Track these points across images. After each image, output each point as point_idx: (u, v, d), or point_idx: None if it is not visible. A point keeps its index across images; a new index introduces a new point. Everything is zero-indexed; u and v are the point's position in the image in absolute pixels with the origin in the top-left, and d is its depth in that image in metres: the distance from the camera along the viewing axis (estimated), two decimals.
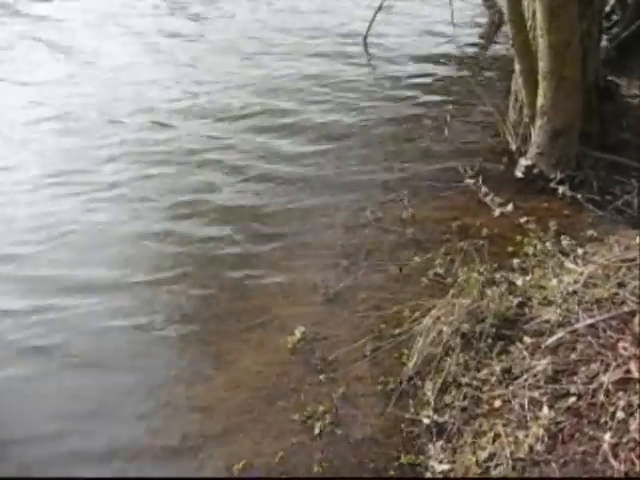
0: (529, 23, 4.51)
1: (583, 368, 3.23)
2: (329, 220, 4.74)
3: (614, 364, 3.17)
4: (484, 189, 4.66)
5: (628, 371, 3.08)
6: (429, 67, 6.82)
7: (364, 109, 6.10)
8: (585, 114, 4.78)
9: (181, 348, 3.83)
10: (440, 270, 4.11)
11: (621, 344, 3.30)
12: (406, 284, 4.10)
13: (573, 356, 3.31)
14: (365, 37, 7.23)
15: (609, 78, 5.42)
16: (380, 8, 7.11)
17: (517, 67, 4.71)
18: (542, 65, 4.37)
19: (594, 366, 3.22)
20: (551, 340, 3.40)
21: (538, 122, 4.62)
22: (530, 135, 4.89)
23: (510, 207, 4.46)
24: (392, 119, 5.92)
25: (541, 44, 4.28)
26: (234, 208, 4.92)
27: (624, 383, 3.04)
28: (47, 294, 4.09)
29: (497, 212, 4.43)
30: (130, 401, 3.49)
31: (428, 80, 6.55)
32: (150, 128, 5.93)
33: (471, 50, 7.27)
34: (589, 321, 3.47)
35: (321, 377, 3.55)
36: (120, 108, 6.21)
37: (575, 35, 4.27)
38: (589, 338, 3.39)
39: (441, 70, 6.72)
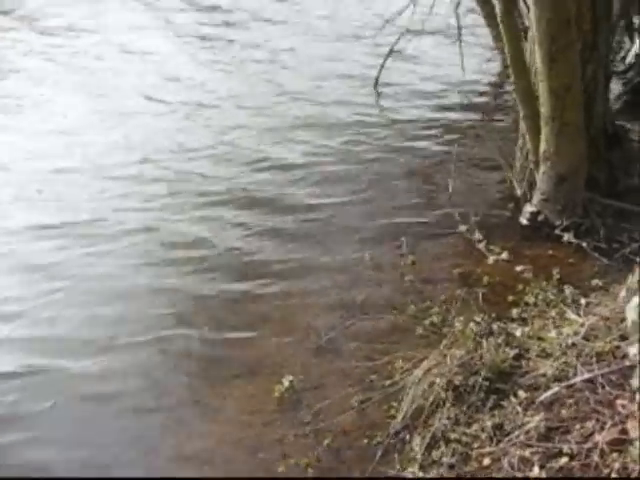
0: (532, 68, 4.44)
1: (578, 426, 3.06)
2: (327, 265, 4.65)
3: (610, 422, 3.01)
4: (477, 235, 4.52)
5: (624, 430, 2.90)
6: (438, 114, 6.74)
7: (371, 158, 6.03)
8: (592, 160, 4.66)
9: (167, 395, 3.73)
10: (436, 319, 3.98)
11: (619, 401, 3.13)
12: (400, 334, 3.98)
13: (568, 413, 3.14)
14: (376, 83, 7.21)
15: (618, 123, 5.30)
16: (390, 52, 7.10)
17: (521, 112, 4.62)
18: (543, 110, 4.28)
19: (589, 424, 3.05)
20: (546, 395, 3.24)
21: (542, 168, 4.52)
22: (535, 181, 4.77)
23: (505, 255, 4.32)
24: (398, 167, 5.84)
25: (541, 89, 4.20)
26: (234, 254, 4.85)
27: (620, 443, 2.86)
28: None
29: (491, 260, 4.28)
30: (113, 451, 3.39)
31: (436, 127, 6.46)
32: (149, 176, 5.86)
33: (480, 96, 7.20)
34: (587, 375, 3.30)
35: (307, 429, 3.43)
36: (117, 156, 6.12)
37: (576, 79, 4.18)
38: (586, 394, 3.22)
39: (450, 116, 6.63)
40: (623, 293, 3.25)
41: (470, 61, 7.37)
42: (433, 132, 6.34)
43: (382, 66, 7.10)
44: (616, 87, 6.55)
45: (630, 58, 6.79)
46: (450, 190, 5.24)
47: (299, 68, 7.87)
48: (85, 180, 5.70)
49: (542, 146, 4.44)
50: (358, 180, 5.65)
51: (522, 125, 4.76)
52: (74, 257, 4.77)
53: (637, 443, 2.35)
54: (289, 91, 7.31)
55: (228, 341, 4.07)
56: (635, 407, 2.94)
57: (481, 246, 4.42)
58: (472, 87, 7.20)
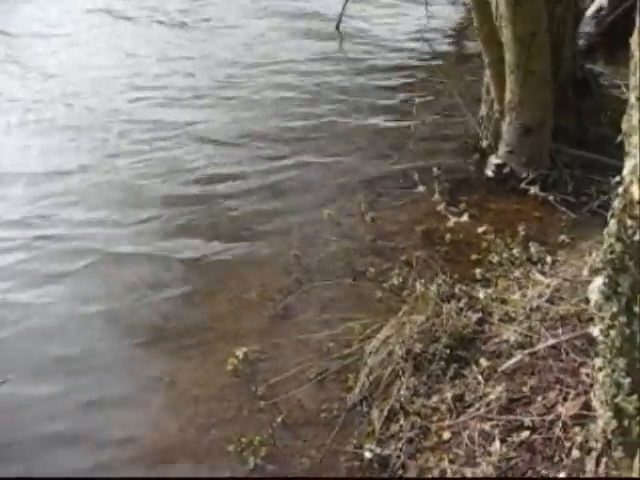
0: (496, 12, 4.16)
1: (540, 397, 2.94)
2: (284, 226, 4.44)
3: (574, 392, 2.88)
4: (437, 197, 4.32)
5: (588, 402, 2.77)
6: (400, 61, 6.46)
7: (330, 110, 5.75)
8: (560, 108, 4.46)
9: (118, 368, 3.55)
10: (397, 282, 3.79)
11: (583, 369, 3.00)
12: (359, 298, 3.81)
13: (531, 382, 3.01)
14: (337, 27, 6.89)
15: (588, 67, 5.06)
16: None
17: (484, 60, 4.37)
18: (508, 58, 4.04)
19: (552, 394, 2.93)
20: (508, 364, 3.11)
21: (507, 118, 4.30)
22: (501, 132, 4.56)
23: (465, 217, 4.13)
24: (358, 120, 5.58)
25: (506, 35, 3.95)
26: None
27: (583, 416, 2.74)
28: None
29: (452, 222, 4.09)
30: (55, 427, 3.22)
31: (398, 77, 6.19)
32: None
33: (445, 42, 6.90)
34: (551, 342, 3.17)
35: (261, 403, 3.27)
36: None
37: (541, 25, 3.93)
38: (550, 361, 3.10)
39: (412, 64, 6.35)
40: (589, 257, 3.09)
41: (435, 5, 7.04)
42: (394, 82, 6.08)
43: (343, 9, 6.76)
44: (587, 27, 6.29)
45: None
46: (411, 143, 5.00)
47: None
48: None
49: (507, 96, 4.21)
50: (315, 134, 5.40)
51: (486, 73, 4.51)
52: None
53: (599, 421, 2.20)
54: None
55: (179, 309, 3.87)
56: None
57: (440, 208, 4.20)
58: (436, 33, 6.89)
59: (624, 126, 1.82)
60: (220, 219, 4.54)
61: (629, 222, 1.78)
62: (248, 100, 5.92)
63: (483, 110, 4.84)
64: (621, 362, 2.04)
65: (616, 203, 1.78)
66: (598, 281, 1.91)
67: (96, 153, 5.27)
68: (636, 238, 1.78)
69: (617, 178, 1.78)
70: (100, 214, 4.59)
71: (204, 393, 3.38)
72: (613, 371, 2.09)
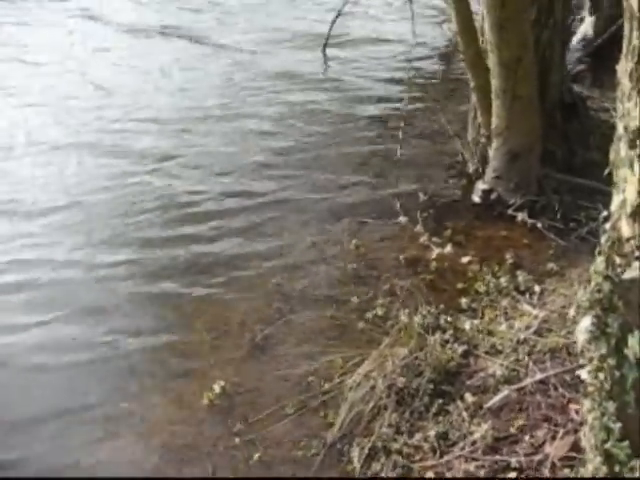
0: (482, 37, 4.08)
1: (528, 435, 2.82)
2: (266, 251, 4.31)
3: (562, 431, 2.76)
4: (419, 228, 4.20)
5: (577, 441, 2.65)
6: (386, 84, 6.38)
7: (316, 131, 5.67)
8: (548, 133, 4.37)
9: (93, 402, 3.40)
10: (380, 312, 3.68)
11: (572, 405, 2.88)
12: (341, 329, 3.68)
13: (518, 420, 2.89)
14: (324, 47, 6.82)
15: (577, 91, 4.99)
16: (339, 15, 6.70)
17: (471, 84, 4.28)
18: (494, 82, 3.95)
19: (540, 433, 2.81)
20: (494, 400, 2.99)
21: (494, 144, 4.21)
22: (489, 157, 4.46)
23: (449, 248, 4.01)
24: (345, 141, 5.48)
25: (491, 60, 3.86)
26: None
27: (572, 458, 2.61)
28: None
29: (434, 254, 3.98)
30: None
31: (385, 98, 6.11)
32: None
33: (432, 63, 6.83)
34: (539, 376, 3.06)
35: (237, 440, 3.13)
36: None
37: (527, 50, 3.85)
38: (538, 397, 2.98)
39: (397, 89, 6.26)
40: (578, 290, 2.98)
41: (422, 25, 6.99)
42: (379, 106, 5.97)
43: (330, 29, 6.69)
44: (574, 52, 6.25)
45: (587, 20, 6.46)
46: (397, 169, 4.90)
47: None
48: None
49: (494, 121, 4.11)
50: (301, 155, 5.30)
51: (473, 97, 4.43)
52: None
53: (589, 465, 2.08)
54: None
55: (156, 341, 3.73)
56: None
57: (423, 239, 4.08)
58: (423, 53, 6.83)
59: (612, 157, 1.72)
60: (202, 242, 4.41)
61: (617, 260, 1.67)
62: (229, 131, 5.78)
63: (470, 135, 4.75)
64: (611, 406, 1.93)
65: (603, 240, 1.67)
66: (586, 321, 1.79)
67: (71, 190, 5.02)
68: (625, 277, 1.67)
69: (604, 213, 1.67)
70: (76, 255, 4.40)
71: (179, 427, 3.24)
72: (603, 415, 1.97)
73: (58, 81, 6.67)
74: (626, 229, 1.58)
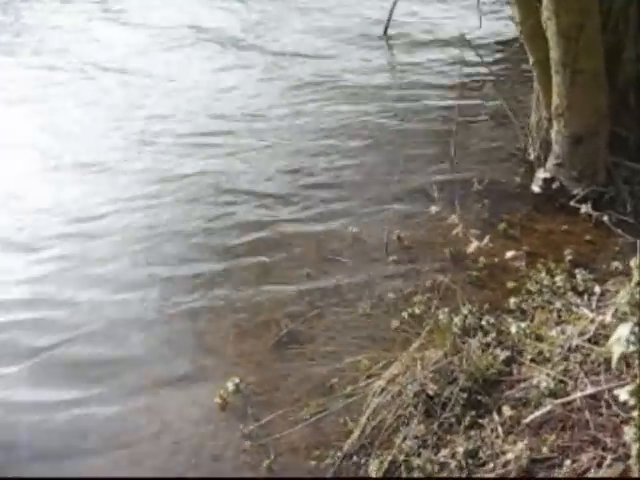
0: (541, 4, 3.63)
1: (570, 460, 2.43)
2: (303, 240, 4.03)
3: (611, 457, 2.35)
4: (453, 217, 3.79)
5: (628, 470, 2.24)
6: (446, 66, 5.99)
7: (373, 113, 5.38)
8: (620, 116, 3.89)
9: (108, 395, 3.20)
10: (418, 310, 3.33)
11: (627, 427, 2.45)
12: (374, 327, 3.37)
13: (560, 440, 2.50)
14: (385, 30, 6.48)
15: None
16: None
17: (530, 59, 3.85)
18: (553, 55, 3.51)
19: (585, 458, 2.41)
20: (535, 415, 2.60)
21: (555, 126, 3.76)
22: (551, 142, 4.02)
23: (486, 240, 3.60)
24: (399, 126, 5.17)
25: (550, 29, 3.43)
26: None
27: None
28: None
29: (471, 249, 3.57)
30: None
31: (444, 81, 5.75)
32: None
33: (496, 44, 6.37)
34: (590, 390, 2.65)
35: (248, 444, 2.86)
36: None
37: (591, 16, 3.39)
38: (586, 415, 2.58)
39: (459, 69, 5.83)
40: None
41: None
42: (439, 90, 5.59)
43: (391, 12, 6.34)
44: None
45: None
46: (453, 155, 4.51)
47: None
48: None
49: (554, 100, 3.67)
50: (355, 141, 5.00)
51: (535, 77, 3.99)
52: None
53: None
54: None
55: (178, 331, 3.51)
56: None
57: (457, 231, 3.68)
58: (487, 34, 6.36)
59: None
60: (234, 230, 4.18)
61: None
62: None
63: (533, 119, 4.31)
64: None
65: None
66: (624, 329, 1.41)
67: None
68: None
69: None
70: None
71: (189, 427, 3.00)
72: None
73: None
74: None
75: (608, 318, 1.61)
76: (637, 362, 1.48)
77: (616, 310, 1.48)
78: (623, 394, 1.52)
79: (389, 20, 6.50)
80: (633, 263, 1.39)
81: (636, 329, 1.41)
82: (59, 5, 8.79)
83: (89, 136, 5.47)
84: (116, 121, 5.65)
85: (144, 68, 6.69)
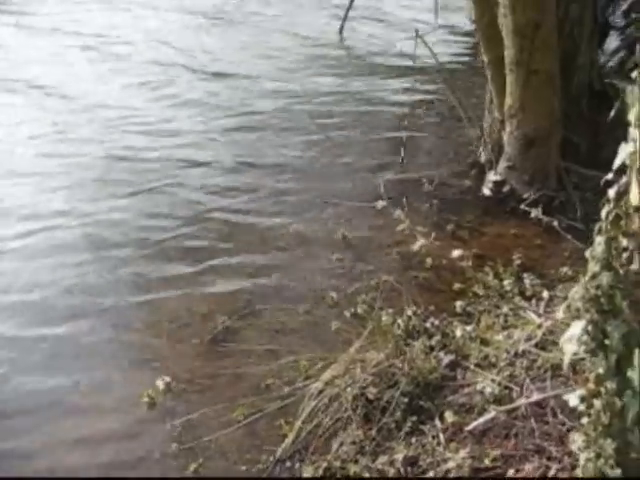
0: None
1: (513, 469, 2.31)
2: (244, 236, 3.86)
3: (556, 467, 2.24)
4: (398, 213, 3.68)
5: None
6: (399, 62, 5.91)
7: (321, 112, 5.25)
8: (572, 122, 3.84)
9: (31, 390, 2.97)
10: (361, 310, 3.19)
11: (574, 435, 2.35)
12: (313, 327, 3.22)
13: (504, 448, 2.38)
14: (341, 28, 6.39)
15: (609, 81, 4.43)
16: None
17: (484, 58, 3.77)
18: (507, 54, 3.43)
19: (529, 467, 2.30)
20: (478, 422, 2.48)
21: (507, 127, 3.69)
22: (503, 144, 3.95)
23: (432, 238, 3.49)
24: (348, 124, 5.04)
25: (505, 27, 3.34)
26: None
27: None
28: None
29: (417, 245, 3.46)
30: None
31: (397, 78, 5.64)
32: None
33: (449, 42, 6.33)
34: (536, 397, 2.54)
35: (175, 447, 2.67)
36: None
37: (547, 15, 3.32)
38: (531, 423, 2.47)
39: (412, 67, 5.76)
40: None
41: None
42: (391, 85, 5.50)
43: (346, 15, 6.25)
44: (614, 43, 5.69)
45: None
46: (403, 156, 4.41)
47: None
48: None
49: (507, 101, 3.60)
50: (301, 137, 4.87)
51: (488, 75, 3.90)
52: None
53: None
54: None
55: (108, 325, 3.30)
56: None
57: (403, 227, 3.56)
58: (444, 32, 6.32)
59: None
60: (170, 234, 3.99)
61: (624, 242, 1.16)
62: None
63: (486, 120, 4.23)
64: (609, 446, 1.42)
65: (604, 214, 1.16)
66: (576, 327, 1.29)
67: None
68: (634, 267, 1.17)
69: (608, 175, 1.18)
70: None
71: (113, 427, 2.79)
72: (598, 457, 1.47)
73: None
74: (637, 194, 1.07)
75: (560, 314, 1.50)
76: (589, 364, 1.35)
77: (568, 306, 1.38)
78: (573, 399, 1.40)
79: (345, 19, 6.38)
80: (588, 253, 1.27)
81: (589, 327, 1.28)
82: None
83: None
84: None
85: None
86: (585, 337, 1.31)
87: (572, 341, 1.31)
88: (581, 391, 1.42)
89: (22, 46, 6.77)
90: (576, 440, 1.52)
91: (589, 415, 1.44)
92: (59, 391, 2.95)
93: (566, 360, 1.37)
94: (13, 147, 4.90)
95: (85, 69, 6.25)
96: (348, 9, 6.39)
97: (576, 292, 1.29)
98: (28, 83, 5.88)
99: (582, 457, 1.54)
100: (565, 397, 1.56)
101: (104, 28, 7.17)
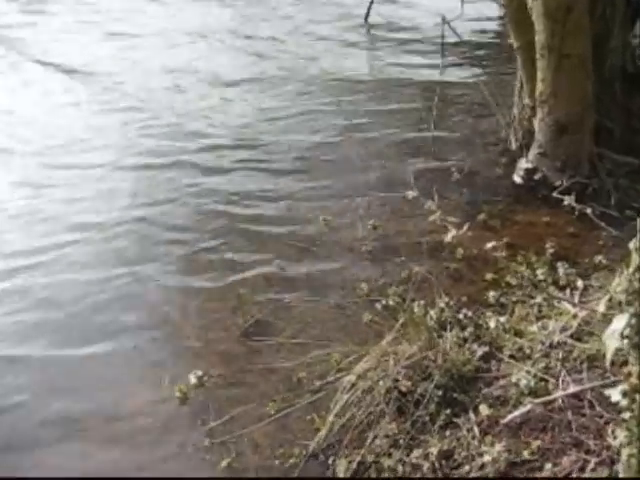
0: None
1: (550, 463, 2.27)
2: (275, 229, 3.85)
3: (595, 461, 2.20)
4: (429, 204, 3.63)
5: (613, 475, 2.09)
6: (426, 52, 5.84)
7: (350, 100, 5.21)
8: (605, 106, 3.77)
9: (68, 385, 2.99)
10: (392, 302, 3.16)
11: (612, 427, 2.30)
12: (346, 319, 3.20)
13: (540, 442, 2.34)
14: (366, 17, 6.32)
15: None
16: None
17: (514, 44, 3.69)
18: (538, 39, 3.35)
19: (566, 461, 2.26)
20: (513, 415, 2.44)
21: (539, 114, 3.61)
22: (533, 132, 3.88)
23: (465, 229, 3.43)
24: (379, 113, 4.99)
25: (536, 10, 3.27)
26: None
27: None
28: None
29: (449, 237, 3.40)
30: None
31: (425, 65, 5.57)
32: None
33: (479, 31, 6.24)
34: (572, 389, 2.50)
35: (209, 441, 2.68)
36: None
37: None
38: (568, 415, 2.43)
39: (437, 57, 5.71)
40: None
41: None
42: (420, 73, 5.45)
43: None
44: None
45: None
46: (432, 144, 4.36)
47: None
48: None
49: (538, 87, 3.52)
50: (329, 127, 4.81)
51: (518, 61, 3.83)
52: None
53: None
54: None
55: (142, 321, 3.30)
56: None
57: (434, 218, 3.51)
58: (471, 17, 6.22)
59: None
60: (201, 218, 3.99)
61: None
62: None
63: (516, 107, 4.16)
64: None
65: None
66: (620, 321, 1.25)
67: None
68: None
69: None
70: None
71: (145, 423, 2.80)
72: None
73: None
74: None
75: (602, 308, 1.45)
76: (633, 359, 1.31)
77: (610, 299, 1.33)
78: (615, 394, 1.36)
79: (370, 6, 6.32)
80: (632, 245, 1.22)
81: (633, 321, 1.24)
82: None
83: None
84: None
85: None
86: (628, 331, 1.27)
87: (615, 336, 1.27)
88: (623, 386, 1.38)
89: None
90: (618, 435, 1.47)
91: (632, 410, 1.40)
92: (93, 389, 2.98)
93: (609, 356, 1.33)
94: (35, 158, 4.83)
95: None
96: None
97: (618, 284, 1.25)
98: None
99: (624, 453, 1.50)
100: (607, 392, 1.52)
101: None
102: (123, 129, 5.09)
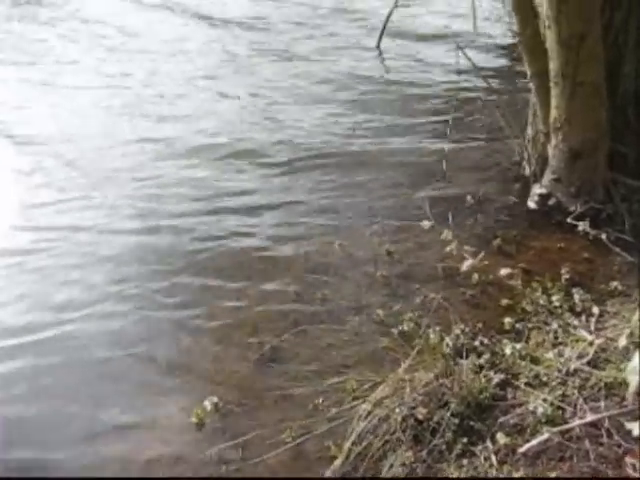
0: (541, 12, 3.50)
1: None
2: (290, 254, 3.87)
3: None
4: (445, 233, 3.65)
5: None
6: (440, 76, 5.89)
7: (361, 122, 5.23)
8: (618, 132, 3.77)
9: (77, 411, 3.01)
10: (408, 328, 3.17)
11: (630, 459, 2.30)
12: (361, 345, 3.20)
13: (558, 471, 2.34)
14: (379, 39, 6.39)
15: None
16: (396, 4, 6.24)
17: (528, 71, 3.72)
18: (552, 66, 3.38)
19: None
20: (531, 444, 2.44)
21: (553, 140, 3.63)
22: (548, 157, 3.89)
23: (480, 257, 3.44)
24: (390, 138, 5.01)
25: (550, 38, 3.30)
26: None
27: None
28: None
29: (464, 267, 3.41)
30: None
31: (438, 89, 5.61)
32: None
33: (492, 55, 6.29)
34: (590, 418, 2.49)
35: (224, 468, 2.68)
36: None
37: (592, 26, 3.27)
38: (586, 444, 2.42)
39: (454, 79, 5.75)
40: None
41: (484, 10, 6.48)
42: (433, 97, 5.47)
43: (383, 27, 6.24)
44: None
45: None
46: (445, 170, 4.38)
47: None
48: None
49: (552, 113, 3.54)
50: (343, 154, 4.84)
51: (532, 88, 3.86)
52: None
53: None
54: None
55: (151, 349, 3.31)
56: None
57: (451, 248, 3.53)
58: (483, 43, 6.26)
59: None
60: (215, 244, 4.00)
61: None
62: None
63: (529, 133, 4.18)
64: None
65: None
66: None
67: None
68: None
69: None
70: None
71: (161, 448, 2.81)
72: None
73: None
74: None
75: (622, 342, 1.45)
76: None
77: (630, 334, 1.33)
78: (636, 429, 1.36)
79: (383, 30, 6.38)
80: None
81: None
82: None
83: None
84: None
85: None
86: None
87: (636, 371, 1.27)
88: None
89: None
90: (637, 467, 1.47)
91: None
92: (108, 413, 2.99)
93: (631, 390, 1.33)
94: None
95: None
96: (385, 23, 6.37)
97: (635, 325, 1.26)
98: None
99: None
100: (628, 426, 1.52)
101: None
102: None
